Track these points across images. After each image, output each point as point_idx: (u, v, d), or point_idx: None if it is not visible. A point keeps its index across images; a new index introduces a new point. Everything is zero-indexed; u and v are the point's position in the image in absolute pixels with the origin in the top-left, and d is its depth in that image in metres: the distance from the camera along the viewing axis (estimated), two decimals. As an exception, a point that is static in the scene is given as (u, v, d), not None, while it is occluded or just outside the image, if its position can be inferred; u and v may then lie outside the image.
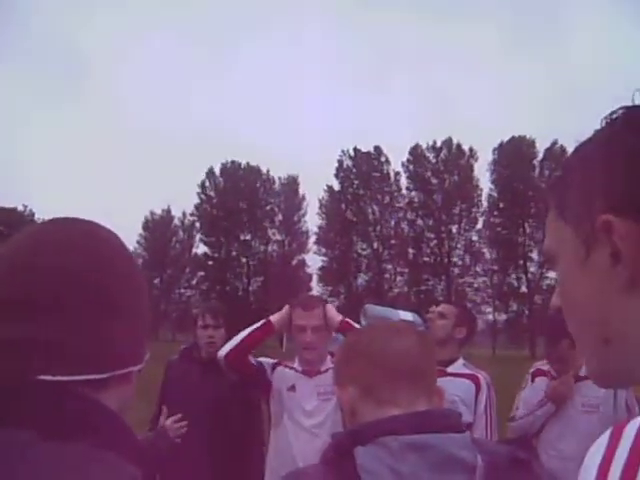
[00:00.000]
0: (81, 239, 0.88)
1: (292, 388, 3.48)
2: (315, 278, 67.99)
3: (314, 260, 67.72)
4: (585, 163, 0.71)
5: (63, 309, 0.81)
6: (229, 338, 3.76)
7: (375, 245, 66.57)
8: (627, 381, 0.70)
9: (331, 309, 3.61)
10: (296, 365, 3.57)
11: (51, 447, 0.74)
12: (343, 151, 67.47)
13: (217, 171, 69.36)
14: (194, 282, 71.40)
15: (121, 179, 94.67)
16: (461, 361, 3.78)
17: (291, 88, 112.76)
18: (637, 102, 0.69)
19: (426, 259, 65.69)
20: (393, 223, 66.73)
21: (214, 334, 3.84)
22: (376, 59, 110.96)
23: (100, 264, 0.86)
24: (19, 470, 0.71)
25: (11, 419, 0.74)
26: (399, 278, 66.87)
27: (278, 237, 69.66)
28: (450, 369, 3.64)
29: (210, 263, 69.07)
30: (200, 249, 70.59)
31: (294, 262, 69.04)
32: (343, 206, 66.88)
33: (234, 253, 69.34)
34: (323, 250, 67.34)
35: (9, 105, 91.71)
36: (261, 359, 3.63)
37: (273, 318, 3.60)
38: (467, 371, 3.73)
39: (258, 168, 69.29)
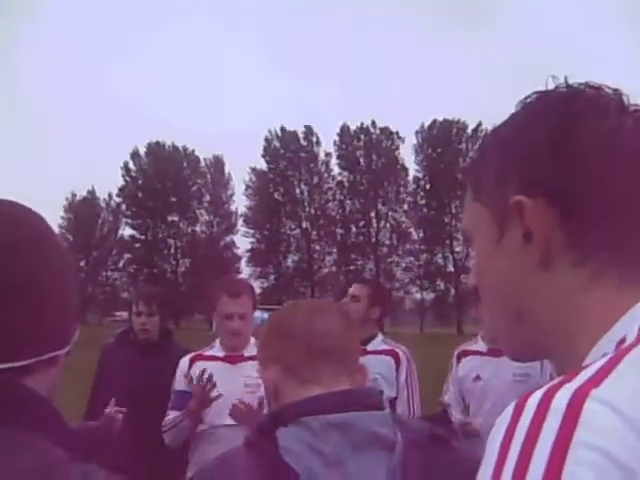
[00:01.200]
0: (2, 225, 0.85)
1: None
2: (244, 259, 68.15)
3: (243, 241, 67.84)
4: (499, 146, 0.73)
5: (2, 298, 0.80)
6: (163, 324, 3.92)
7: (304, 225, 67.02)
8: (539, 356, 0.74)
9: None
10: (216, 351, 3.48)
11: None
12: (270, 131, 67.49)
13: (142, 152, 68.45)
14: (121, 265, 70.50)
15: (36, 160, 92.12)
16: (379, 337, 3.89)
17: (217, 68, 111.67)
18: (550, 86, 0.71)
19: (354, 239, 66.57)
20: (322, 203, 67.18)
21: (146, 321, 3.84)
22: (306, 41, 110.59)
23: (16, 246, 0.83)
24: None
25: None
26: (328, 258, 67.66)
27: (206, 218, 69.37)
28: (370, 347, 3.73)
29: (137, 245, 68.33)
30: (127, 231, 69.74)
31: (222, 243, 68.93)
32: (271, 186, 66.97)
33: (161, 235, 68.77)
34: (251, 231, 67.46)
35: None
36: (176, 381, 3.44)
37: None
38: (386, 347, 3.85)
39: (184, 148, 68.80)
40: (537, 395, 0.52)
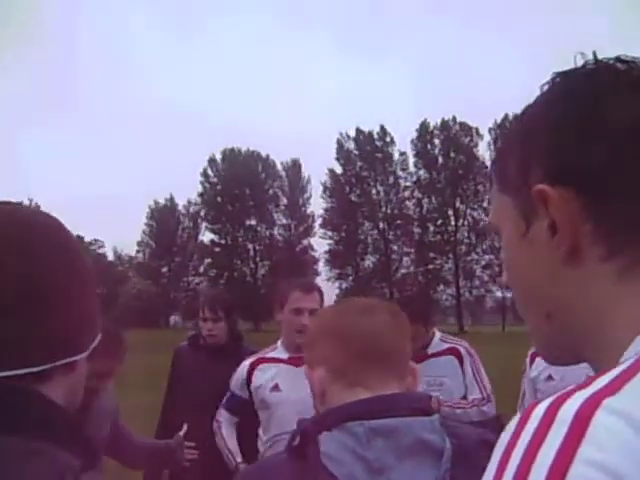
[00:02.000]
0: (10, 229, 0.84)
1: (275, 388, 3.29)
2: (322, 261, 68.38)
3: (320, 243, 68.09)
4: (522, 132, 0.69)
5: (13, 305, 0.80)
6: (231, 327, 3.94)
7: (381, 226, 66.74)
8: (572, 358, 0.68)
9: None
10: (280, 353, 3.40)
11: None
12: (341, 133, 67.55)
13: (218, 158, 69.72)
14: (201, 269, 71.82)
15: (123, 170, 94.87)
16: (438, 337, 3.81)
17: (289, 71, 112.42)
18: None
19: (432, 238, 65.88)
20: (398, 203, 66.76)
21: (212, 327, 3.90)
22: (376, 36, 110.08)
23: (29, 251, 0.83)
24: None
25: None
26: (406, 258, 67.16)
27: (283, 221, 70.01)
28: (430, 350, 3.71)
29: (217, 250, 69.46)
30: (206, 236, 71.07)
31: (300, 246, 69.36)
32: (347, 188, 66.97)
33: (240, 239, 69.67)
34: (329, 233, 67.62)
35: (11, 103, 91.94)
36: (233, 380, 3.44)
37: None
38: (446, 346, 3.78)
39: (258, 153, 69.69)
40: (544, 404, 0.49)
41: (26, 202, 64.68)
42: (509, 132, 0.74)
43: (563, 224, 0.61)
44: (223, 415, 3.50)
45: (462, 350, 3.76)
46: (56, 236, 0.89)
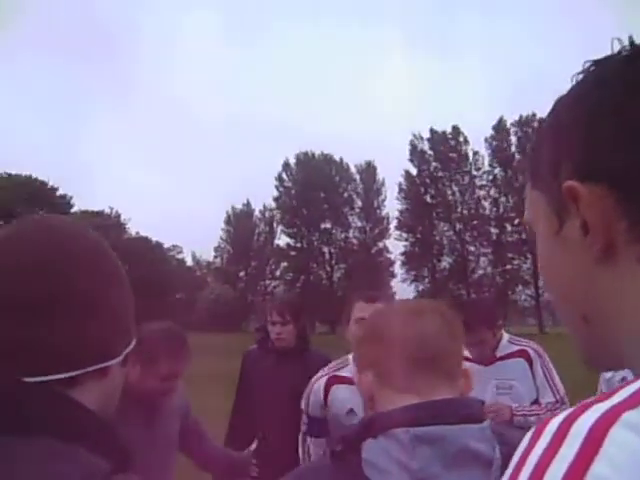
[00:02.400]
0: (46, 237, 0.87)
1: (351, 412, 3.20)
2: (398, 263, 68.08)
3: (396, 245, 67.80)
4: (552, 126, 0.66)
5: (31, 309, 0.81)
6: (299, 331, 3.96)
7: (457, 227, 65.98)
8: (613, 363, 0.64)
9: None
10: (350, 371, 3.28)
11: (14, 443, 0.74)
12: (414, 134, 67.10)
13: (292, 163, 70.29)
14: (278, 273, 72.56)
15: (200, 176, 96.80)
16: (506, 338, 3.71)
17: (358, 73, 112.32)
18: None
19: (510, 238, 64.68)
20: (474, 203, 65.84)
21: (281, 331, 3.92)
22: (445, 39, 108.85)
23: (65, 261, 0.85)
24: None
25: None
26: (483, 259, 66.15)
27: (358, 224, 70.00)
28: (499, 352, 3.63)
29: (292, 253, 70.05)
30: (282, 240, 71.78)
31: (376, 248, 69.23)
32: (422, 189, 66.50)
33: (315, 242, 70.05)
34: (404, 235, 67.28)
35: (84, 111, 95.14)
36: (310, 404, 3.36)
37: None
38: (515, 348, 3.66)
39: (331, 156, 69.88)
40: (559, 418, 0.47)
41: (107, 211, 67.06)
42: (541, 125, 0.70)
43: (595, 222, 0.58)
44: (313, 442, 3.38)
45: (531, 352, 3.65)
46: (93, 245, 0.91)
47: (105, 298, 0.88)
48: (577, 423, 0.45)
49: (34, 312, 0.81)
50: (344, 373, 3.33)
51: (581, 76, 0.64)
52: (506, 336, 3.74)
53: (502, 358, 3.62)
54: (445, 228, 67.06)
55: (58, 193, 61.15)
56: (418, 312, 1.33)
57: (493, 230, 65.25)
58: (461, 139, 66.08)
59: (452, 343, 1.31)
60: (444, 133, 65.88)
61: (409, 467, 1.09)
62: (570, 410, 0.47)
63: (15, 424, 0.76)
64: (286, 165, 70.29)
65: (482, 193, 66.09)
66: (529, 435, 0.49)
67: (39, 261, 0.84)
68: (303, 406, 3.38)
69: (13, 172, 57.98)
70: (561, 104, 0.66)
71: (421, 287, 65.81)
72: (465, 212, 65.94)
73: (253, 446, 3.27)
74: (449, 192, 66.50)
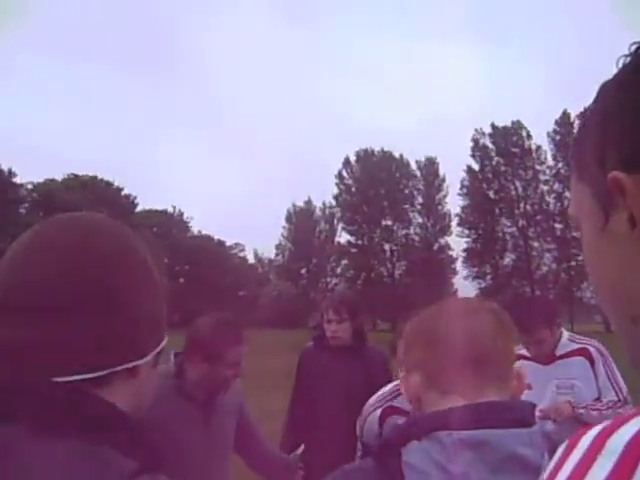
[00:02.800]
0: (80, 236, 0.87)
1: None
2: (460, 260, 67.58)
3: (457, 242, 67.31)
4: (597, 113, 0.63)
5: (58, 310, 0.81)
6: (355, 328, 3.91)
7: (520, 223, 65.05)
8: None
9: None
10: (406, 403, 3.18)
11: (40, 442, 0.75)
12: (476, 129, 66.38)
13: (352, 160, 70.37)
14: (339, 270, 72.81)
15: (261, 176, 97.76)
16: (565, 336, 3.59)
17: (419, 69, 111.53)
18: None
19: (575, 234, 63.30)
20: (538, 199, 64.79)
21: (337, 329, 3.89)
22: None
23: (90, 260, 0.85)
24: (8, 465, 0.73)
25: (8, 416, 0.76)
26: (547, 255, 65.02)
27: (419, 220, 69.72)
28: (558, 351, 3.53)
29: (353, 251, 70.20)
30: (343, 237, 71.94)
31: (437, 245, 68.86)
32: (484, 185, 65.80)
33: (376, 239, 70.05)
34: (466, 231, 66.72)
35: (148, 111, 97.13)
36: (365, 432, 3.23)
37: None
38: (576, 346, 3.55)
39: (391, 153, 69.75)
40: (594, 430, 0.45)
41: (170, 210, 68.54)
42: (586, 113, 0.67)
43: None
44: None
45: (593, 350, 3.51)
46: (121, 244, 0.91)
47: (133, 297, 0.88)
48: (613, 438, 0.41)
49: (61, 312, 0.82)
50: (397, 404, 3.20)
51: (627, 59, 0.60)
52: (566, 334, 3.63)
53: (562, 357, 3.53)
54: (508, 224, 66.20)
55: (123, 193, 62.74)
56: (467, 311, 1.31)
57: (557, 226, 64.08)
58: (524, 133, 65.08)
59: (503, 342, 1.27)
60: (505, 128, 64.99)
61: (450, 471, 1.06)
62: (607, 422, 0.44)
63: (43, 422, 0.76)
64: (346, 162, 70.51)
65: (546, 188, 65.01)
66: (562, 447, 0.46)
67: (64, 261, 0.84)
68: (358, 432, 3.26)
69: (80, 173, 59.97)
70: (605, 89, 0.63)
71: (483, 284, 65.14)
72: (528, 207, 64.94)
73: (299, 451, 3.29)
74: (512, 187, 65.61)
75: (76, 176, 59.72)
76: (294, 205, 73.85)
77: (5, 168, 53.84)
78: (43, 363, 0.80)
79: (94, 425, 0.79)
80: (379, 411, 3.22)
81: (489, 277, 65.89)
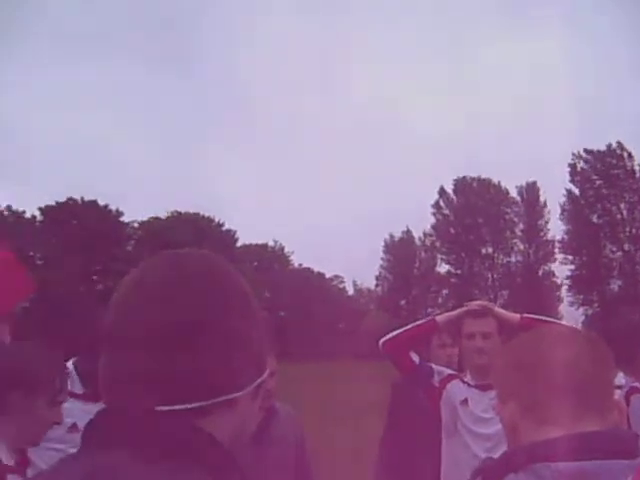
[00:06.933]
0: (183, 271, 0.92)
1: (465, 402, 3.38)
2: (564, 287, 66.63)
3: (561, 269, 66.41)
4: None
5: (168, 340, 0.85)
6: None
7: (626, 247, 63.71)
8: None
9: (503, 311, 3.53)
10: (469, 379, 3.46)
11: (144, 470, 0.78)
12: (574, 153, 65.79)
13: (449, 189, 71.30)
14: (439, 300, 73.14)
15: (354, 203, 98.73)
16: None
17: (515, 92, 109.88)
18: None
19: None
20: (644, 221, 63.19)
21: (452, 352, 3.90)
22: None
23: (201, 291, 0.90)
24: None
25: (114, 443, 0.82)
26: (656, 280, 63.13)
27: (521, 247, 69.34)
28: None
29: (453, 280, 70.59)
30: (442, 267, 72.57)
31: (540, 272, 68.20)
32: (586, 210, 64.90)
33: (476, 268, 70.11)
34: (570, 257, 65.85)
35: (245, 145, 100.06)
36: (435, 366, 3.57)
37: (439, 317, 3.60)
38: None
39: (489, 180, 70.23)
40: None
41: (271, 244, 71.10)
42: None
43: None
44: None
45: None
46: (222, 278, 0.95)
47: (233, 330, 0.91)
48: None
49: (164, 345, 0.85)
50: (464, 378, 3.51)
51: None
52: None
53: None
54: (614, 249, 64.89)
55: (224, 228, 65.80)
56: (564, 339, 1.30)
57: (666, 248, 62.30)
58: (625, 154, 63.94)
59: (601, 371, 1.25)
60: (606, 149, 64.04)
61: None
62: None
63: (145, 452, 0.80)
64: (442, 191, 71.42)
65: (652, 210, 63.37)
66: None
67: (168, 297, 0.88)
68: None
69: (182, 210, 63.51)
70: None
71: (590, 311, 63.85)
72: (634, 231, 63.47)
73: None
74: (616, 210, 64.40)
75: (179, 213, 63.11)
76: (391, 235, 75.08)
77: (113, 208, 58.02)
78: (147, 391, 0.84)
79: (193, 455, 0.82)
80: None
81: (596, 304, 64.56)
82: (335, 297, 69.63)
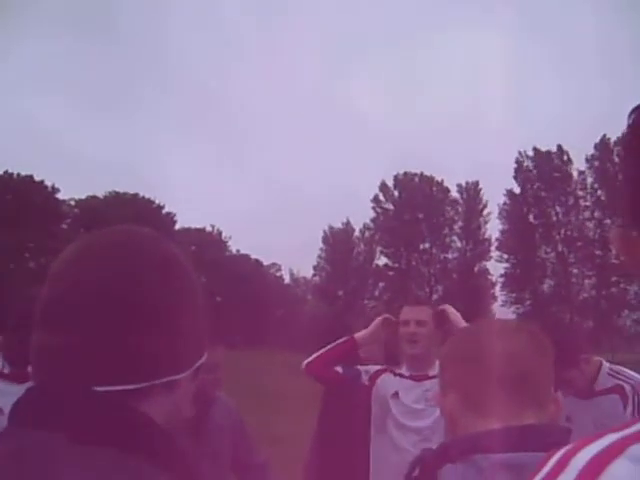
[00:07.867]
0: (122, 248, 0.90)
1: (396, 394, 3.43)
2: (498, 285, 68.02)
3: (496, 267, 67.72)
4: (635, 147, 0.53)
5: (102, 319, 0.83)
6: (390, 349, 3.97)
7: (560, 248, 65.38)
8: None
9: (455, 313, 3.54)
10: (403, 371, 3.53)
11: (79, 451, 0.76)
12: (520, 152, 67.13)
13: (390, 184, 71.79)
14: (376, 293, 73.74)
15: (298, 194, 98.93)
16: (605, 369, 3.35)
17: (461, 92, 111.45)
18: None
19: (615, 261, 63.32)
20: (578, 225, 65.02)
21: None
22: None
23: (131, 275, 0.87)
24: (44, 471, 0.75)
25: (46, 422, 0.79)
26: (587, 282, 65.24)
27: (458, 244, 70.46)
28: (597, 386, 3.31)
29: (391, 274, 71.21)
30: (381, 260, 73.18)
31: (476, 269, 69.41)
32: (524, 209, 66.33)
33: (414, 262, 70.91)
34: (505, 256, 67.25)
35: (189, 131, 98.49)
36: (362, 367, 3.63)
37: (357, 335, 3.64)
38: (614, 382, 3.30)
39: (431, 176, 70.96)
40: (565, 448, 0.45)
41: (209, 229, 70.46)
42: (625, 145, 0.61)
43: None
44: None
45: (628, 388, 3.24)
46: (162, 257, 0.93)
47: (174, 311, 0.89)
48: (577, 456, 0.42)
49: (101, 322, 0.83)
50: (396, 370, 3.62)
51: None
52: (606, 366, 3.38)
53: (599, 393, 3.29)
54: (548, 249, 66.50)
55: (164, 211, 64.90)
56: (505, 331, 1.31)
57: (598, 252, 64.16)
58: (565, 158, 65.53)
59: (541, 365, 1.26)
60: (548, 152, 65.50)
61: None
62: (580, 440, 0.44)
63: (80, 433, 0.77)
64: (383, 186, 71.87)
65: (587, 214, 65.17)
66: (553, 461, 0.46)
67: (105, 273, 0.86)
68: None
69: (120, 190, 62.45)
70: None
71: (522, 310, 65.40)
72: (569, 233, 65.21)
73: None
74: (552, 213, 65.98)
75: (117, 193, 62.05)
76: (330, 227, 75.31)
77: (49, 184, 56.53)
78: (82, 370, 0.82)
79: (129, 437, 0.80)
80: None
81: (527, 303, 66.12)
82: (272, 284, 69.55)
